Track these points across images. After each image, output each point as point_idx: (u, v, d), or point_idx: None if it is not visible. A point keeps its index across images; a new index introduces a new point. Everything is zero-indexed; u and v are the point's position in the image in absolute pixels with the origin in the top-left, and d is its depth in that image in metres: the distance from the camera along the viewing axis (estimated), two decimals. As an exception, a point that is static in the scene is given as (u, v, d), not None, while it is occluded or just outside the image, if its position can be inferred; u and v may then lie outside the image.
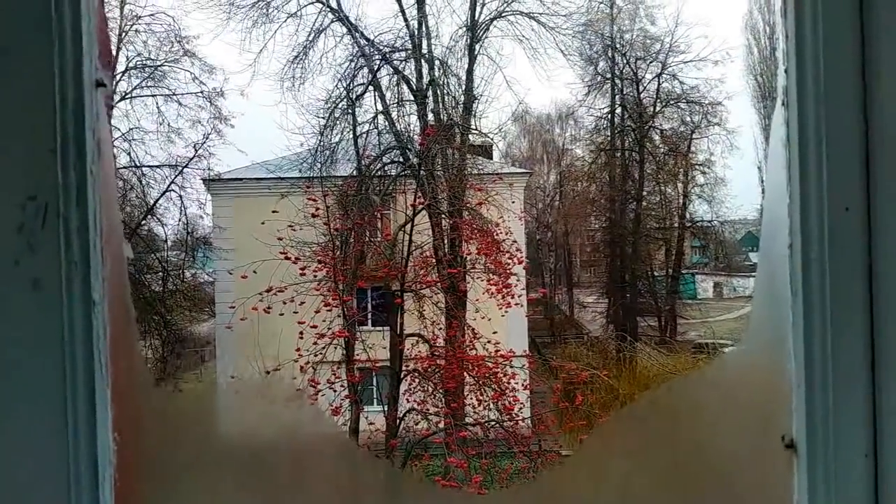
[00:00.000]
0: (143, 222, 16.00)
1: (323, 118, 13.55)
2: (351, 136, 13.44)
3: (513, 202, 13.57)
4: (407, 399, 11.32)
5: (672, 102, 23.58)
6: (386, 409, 11.44)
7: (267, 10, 14.53)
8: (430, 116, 14.06)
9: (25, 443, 0.74)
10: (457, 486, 8.40)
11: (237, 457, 1.05)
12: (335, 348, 10.86)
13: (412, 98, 14.10)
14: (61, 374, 0.75)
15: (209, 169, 16.18)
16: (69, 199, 0.75)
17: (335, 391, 10.51)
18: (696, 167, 24.68)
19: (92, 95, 0.78)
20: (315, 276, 11.09)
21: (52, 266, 0.75)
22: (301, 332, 10.38)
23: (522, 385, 11.77)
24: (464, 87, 14.85)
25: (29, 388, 0.75)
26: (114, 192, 0.83)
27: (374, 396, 12.42)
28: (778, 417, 0.82)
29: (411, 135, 13.83)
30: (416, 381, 11.45)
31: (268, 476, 1.05)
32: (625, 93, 23.90)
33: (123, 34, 15.14)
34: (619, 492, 1.05)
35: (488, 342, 11.23)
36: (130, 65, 15.63)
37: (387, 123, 13.72)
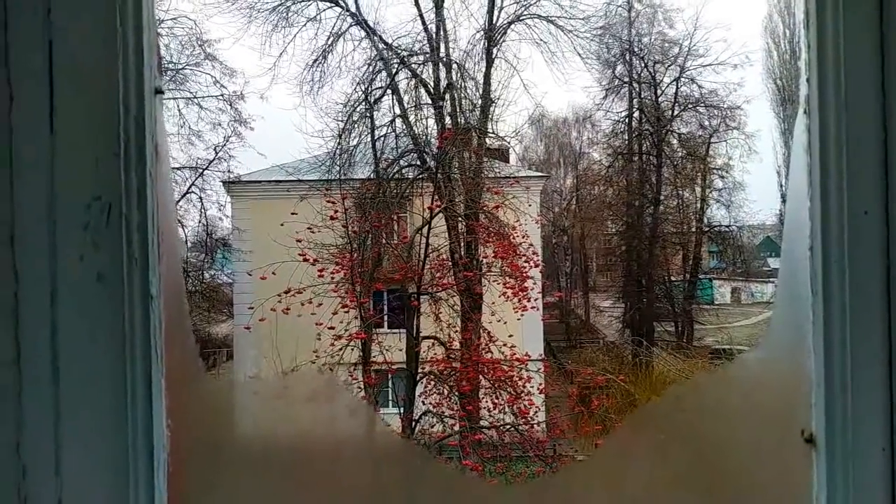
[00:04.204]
0: (164, 224, 16.14)
1: (341, 121, 13.65)
2: (369, 139, 13.53)
3: (529, 205, 13.58)
4: (422, 401, 11.36)
5: (690, 106, 23.43)
6: (402, 411, 11.49)
7: (287, 15, 14.66)
8: (448, 120, 14.10)
9: (89, 428, 0.80)
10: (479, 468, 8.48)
11: (261, 450, 1.10)
12: (352, 350, 10.93)
13: (430, 101, 14.16)
14: (122, 364, 0.80)
15: (229, 171, 16.37)
16: (130, 199, 0.81)
17: (352, 392, 10.57)
18: (715, 171, 24.50)
19: (152, 103, 0.83)
20: (333, 278, 11.18)
21: (114, 262, 0.80)
22: (318, 334, 10.48)
23: (538, 389, 11.77)
24: (481, 90, 14.87)
25: (92, 376, 0.80)
26: (170, 194, 0.89)
27: (390, 398, 12.47)
28: (798, 413, 0.85)
29: (429, 138, 13.89)
30: (432, 383, 11.49)
31: (293, 470, 1.09)
32: (643, 96, 23.79)
33: (146, 38, 15.31)
34: (645, 485, 1.08)
35: (504, 345, 11.25)
36: (152, 68, 15.79)
37: (404, 127, 13.79)
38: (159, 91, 0.84)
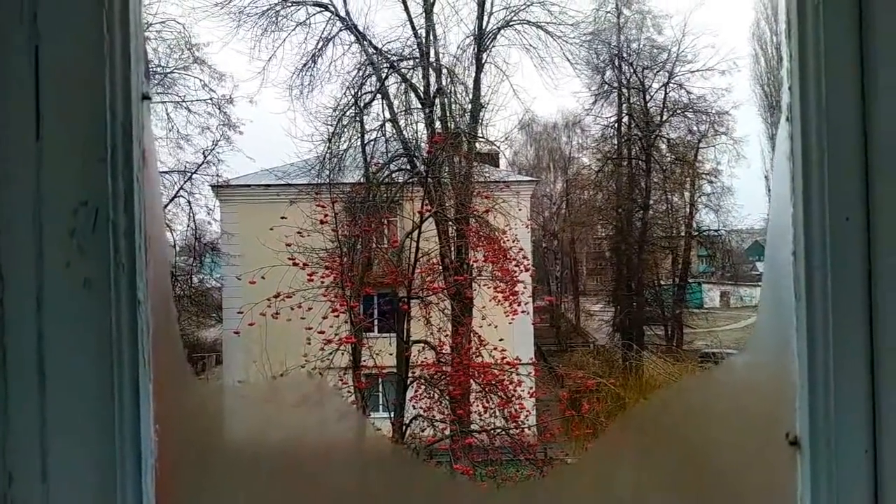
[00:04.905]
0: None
1: (331, 125, 13.65)
2: (359, 143, 13.54)
3: (519, 210, 13.63)
4: (413, 405, 11.35)
5: (679, 111, 23.60)
6: (392, 415, 11.47)
7: (276, 19, 14.65)
8: (438, 124, 14.14)
9: (76, 434, 0.79)
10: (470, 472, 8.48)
11: (252, 456, 1.09)
12: (342, 354, 10.91)
13: (419, 106, 14.19)
14: (109, 369, 0.80)
15: (218, 175, 16.32)
16: (117, 205, 0.80)
17: (342, 397, 10.53)
18: (703, 176, 24.67)
19: (139, 108, 0.83)
20: (323, 283, 11.16)
21: (101, 267, 0.80)
22: (308, 338, 10.44)
23: (528, 393, 11.79)
24: (471, 95, 14.92)
25: (79, 382, 0.80)
26: (158, 199, 0.88)
27: (381, 403, 12.45)
28: (783, 415, 0.86)
29: (419, 142, 13.91)
30: (423, 387, 11.48)
31: (285, 475, 1.09)
32: (632, 102, 23.93)
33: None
34: (633, 488, 1.09)
35: (494, 349, 11.26)
36: (141, 72, 15.74)
37: (394, 131, 13.81)
38: (146, 97, 0.84)
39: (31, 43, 0.78)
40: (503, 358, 11.32)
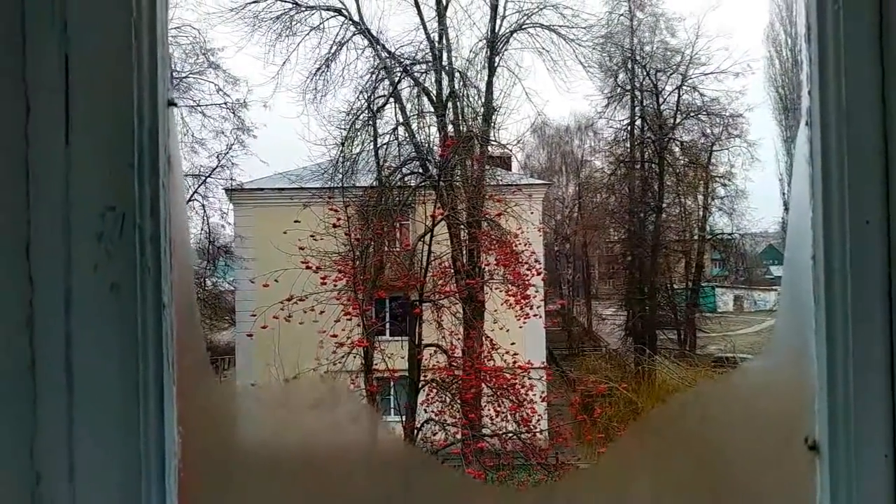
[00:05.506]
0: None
1: (344, 129, 13.73)
2: (372, 147, 13.60)
3: (531, 213, 13.62)
4: (425, 409, 11.35)
5: (692, 114, 23.47)
6: (404, 419, 11.48)
7: (290, 24, 14.76)
8: (450, 128, 14.17)
9: (102, 435, 0.81)
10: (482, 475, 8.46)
11: (271, 458, 1.10)
12: (354, 357, 10.94)
13: (432, 110, 14.23)
14: (134, 371, 0.82)
15: (231, 179, 16.44)
16: (144, 209, 0.82)
17: (357, 400, 10.55)
18: (717, 179, 24.52)
19: (165, 114, 0.85)
20: (335, 286, 11.20)
21: (127, 271, 0.82)
22: (321, 341, 10.49)
23: (540, 397, 11.77)
24: (483, 98, 14.95)
25: (105, 384, 0.81)
26: (182, 204, 0.90)
27: (392, 406, 12.46)
28: (801, 420, 0.86)
29: (431, 146, 13.95)
30: (434, 391, 11.49)
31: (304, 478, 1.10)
32: (645, 104, 23.83)
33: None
34: (648, 494, 1.09)
35: (506, 353, 11.25)
36: (156, 76, 15.90)
37: (407, 135, 13.86)
38: (172, 103, 0.86)
39: (61, 50, 0.80)
40: (515, 362, 11.31)
